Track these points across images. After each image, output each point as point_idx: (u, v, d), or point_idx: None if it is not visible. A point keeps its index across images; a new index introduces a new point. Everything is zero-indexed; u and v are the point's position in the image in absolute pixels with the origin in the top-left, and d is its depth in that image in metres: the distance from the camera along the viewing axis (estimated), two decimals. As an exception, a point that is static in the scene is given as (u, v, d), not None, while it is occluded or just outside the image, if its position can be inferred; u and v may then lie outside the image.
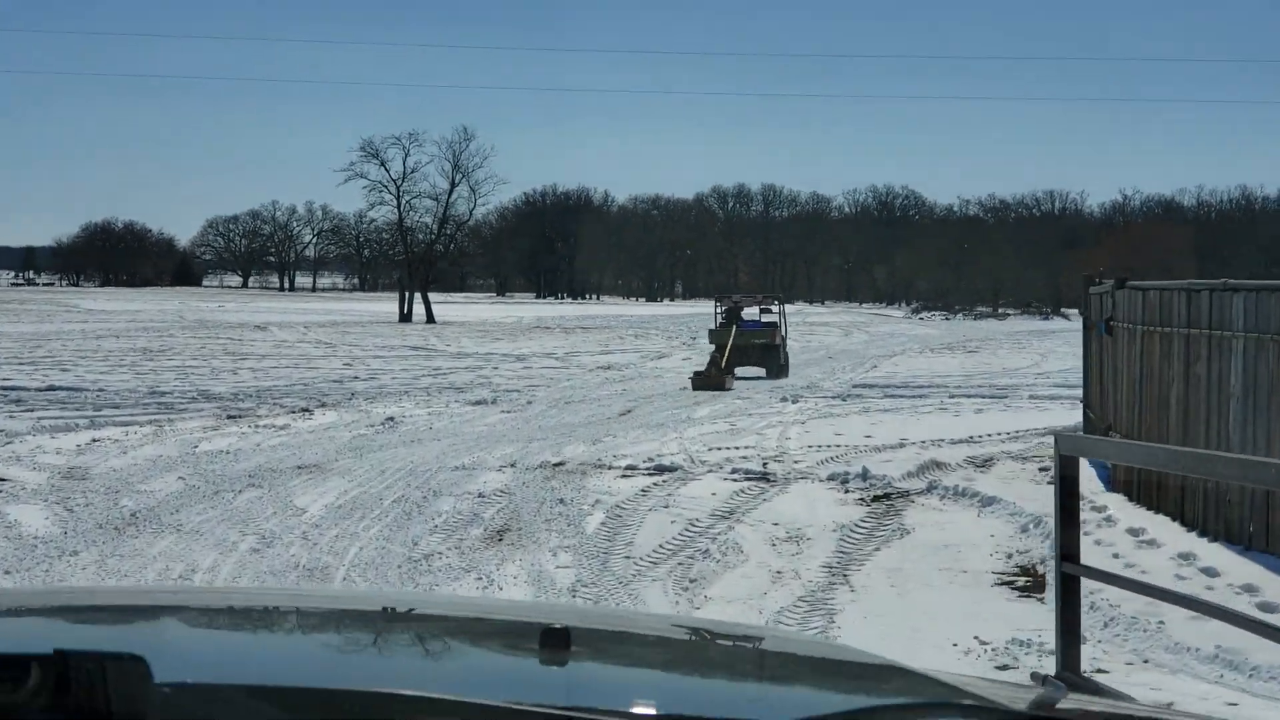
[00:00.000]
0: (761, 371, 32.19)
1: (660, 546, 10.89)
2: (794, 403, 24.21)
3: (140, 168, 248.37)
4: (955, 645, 8.00)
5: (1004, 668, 7.43)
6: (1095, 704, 1.99)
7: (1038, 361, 39.70)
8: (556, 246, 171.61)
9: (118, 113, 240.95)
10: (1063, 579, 3.66)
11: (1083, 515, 11.59)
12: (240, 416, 20.86)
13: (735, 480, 14.34)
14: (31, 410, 21.11)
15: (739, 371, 31.28)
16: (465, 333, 57.93)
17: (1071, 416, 20.48)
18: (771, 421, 20.62)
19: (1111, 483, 12.78)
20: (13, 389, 24.77)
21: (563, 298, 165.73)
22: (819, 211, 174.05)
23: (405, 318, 76.35)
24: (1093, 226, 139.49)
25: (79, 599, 2.42)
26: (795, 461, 15.85)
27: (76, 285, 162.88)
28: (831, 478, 14.43)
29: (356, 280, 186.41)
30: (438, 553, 10.67)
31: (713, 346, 32.44)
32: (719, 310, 34.87)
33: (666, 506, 12.69)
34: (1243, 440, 9.97)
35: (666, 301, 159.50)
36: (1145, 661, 7.64)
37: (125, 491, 13.37)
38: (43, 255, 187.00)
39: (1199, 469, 2.85)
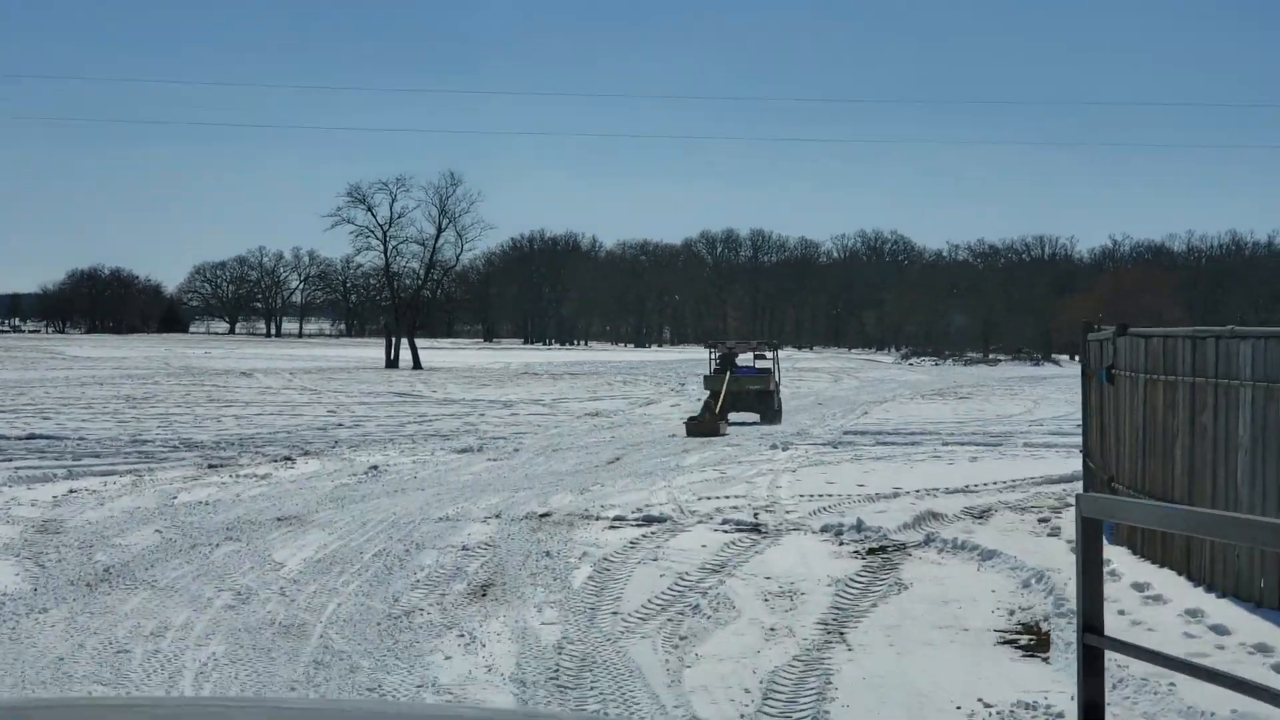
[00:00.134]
0: (755, 417, 32.31)
1: (649, 601, 10.58)
2: (785, 450, 24.10)
3: (128, 214, 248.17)
4: (959, 709, 7.68)
5: (1010, 733, 7.13)
6: None
7: (1031, 408, 39.57)
8: (544, 292, 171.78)
9: (105, 158, 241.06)
10: (1085, 652, 3.34)
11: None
12: (221, 466, 20.62)
13: (726, 531, 14.07)
14: (10, 460, 20.79)
15: (731, 417, 31.40)
16: (452, 379, 57.92)
17: (1068, 465, 20.34)
18: (762, 469, 20.45)
19: (1114, 533, 12.51)
20: (-10, 437, 24.50)
21: (550, 343, 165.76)
22: (807, 256, 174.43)
23: (392, 364, 76.12)
24: (1083, 272, 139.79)
25: None
26: (787, 512, 15.55)
27: (62, 332, 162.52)
28: (825, 529, 14.14)
29: (343, 326, 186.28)
30: (419, 609, 10.35)
31: (707, 392, 32.57)
32: (714, 356, 35.06)
33: (655, 559, 12.39)
34: (1251, 495, 9.68)
35: (655, 347, 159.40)
36: (1157, 726, 7.35)
37: (100, 545, 13.05)
38: (28, 302, 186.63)
39: (1245, 536, 2.58)
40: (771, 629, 9.74)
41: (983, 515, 15.25)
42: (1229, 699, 7.19)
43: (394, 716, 2.46)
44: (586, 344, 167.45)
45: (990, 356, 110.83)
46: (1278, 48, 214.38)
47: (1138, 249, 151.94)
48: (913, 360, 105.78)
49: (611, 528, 14.30)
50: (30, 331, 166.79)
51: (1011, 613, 10.25)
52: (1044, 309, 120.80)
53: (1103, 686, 3.38)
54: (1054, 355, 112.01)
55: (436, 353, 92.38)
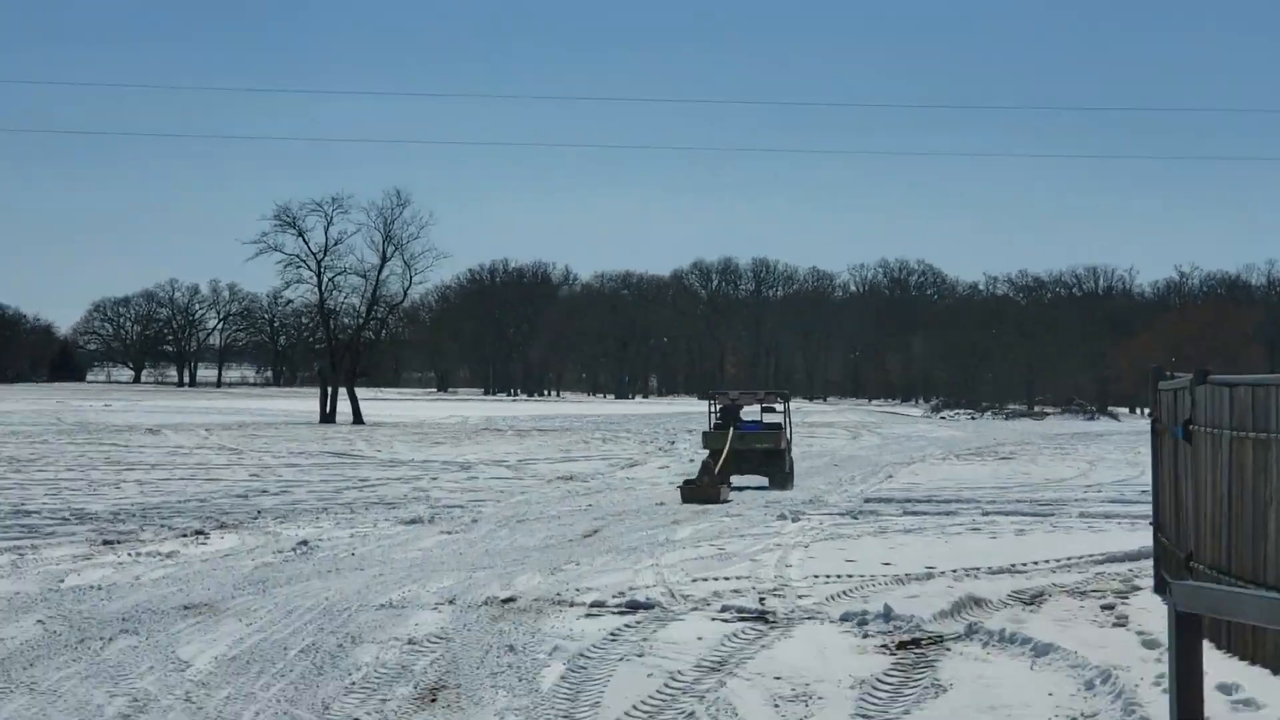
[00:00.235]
0: (759, 480, 32.76)
1: (634, 708, 10.37)
2: (795, 521, 24.16)
3: (11, 243, 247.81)
4: (1013, 842, 7.47)
5: None
6: None
7: (1085, 470, 39.81)
8: (508, 333, 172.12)
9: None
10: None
11: (1158, 662, 11.10)
12: (119, 542, 20.48)
13: (726, 620, 13.91)
14: None
15: (735, 480, 31.75)
16: (399, 436, 58.18)
17: (1134, 539, 20.34)
18: (768, 544, 20.40)
19: (1193, 624, 12.29)
20: None
21: (516, 394, 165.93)
22: (820, 290, 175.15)
23: (327, 418, 76.49)
24: (1144, 309, 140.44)
25: None
26: (799, 596, 15.40)
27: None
28: (845, 617, 13.97)
29: (270, 373, 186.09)
30: (353, 719, 10.10)
31: (706, 451, 32.94)
32: (714, 408, 35.34)
33: (641, 655, 12.18)
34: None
35: (639, 399, 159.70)
36: None
37: (-33, 639, 12.80)
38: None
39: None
40: (783, 742, 9.54)
41: (1034, 601, 15.08)
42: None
43: None
44: (558, 395, 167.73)
45: (1036, 409, 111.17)
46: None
47: (1208, 281, 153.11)
48: (945, 413, 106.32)
49: (588, 616, 14.16)
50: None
51: (1073, 721, 10.05)
52: (1099, 353, 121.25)
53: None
54: (1110, 408, 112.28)
55: (381, 405, 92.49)
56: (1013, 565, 17.96)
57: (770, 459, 32.98)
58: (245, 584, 16.30)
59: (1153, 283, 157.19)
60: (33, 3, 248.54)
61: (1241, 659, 11.27)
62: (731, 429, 33.06)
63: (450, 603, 14.88)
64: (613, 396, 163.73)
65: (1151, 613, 13.53)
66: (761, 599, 15.14)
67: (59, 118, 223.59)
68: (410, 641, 12.75)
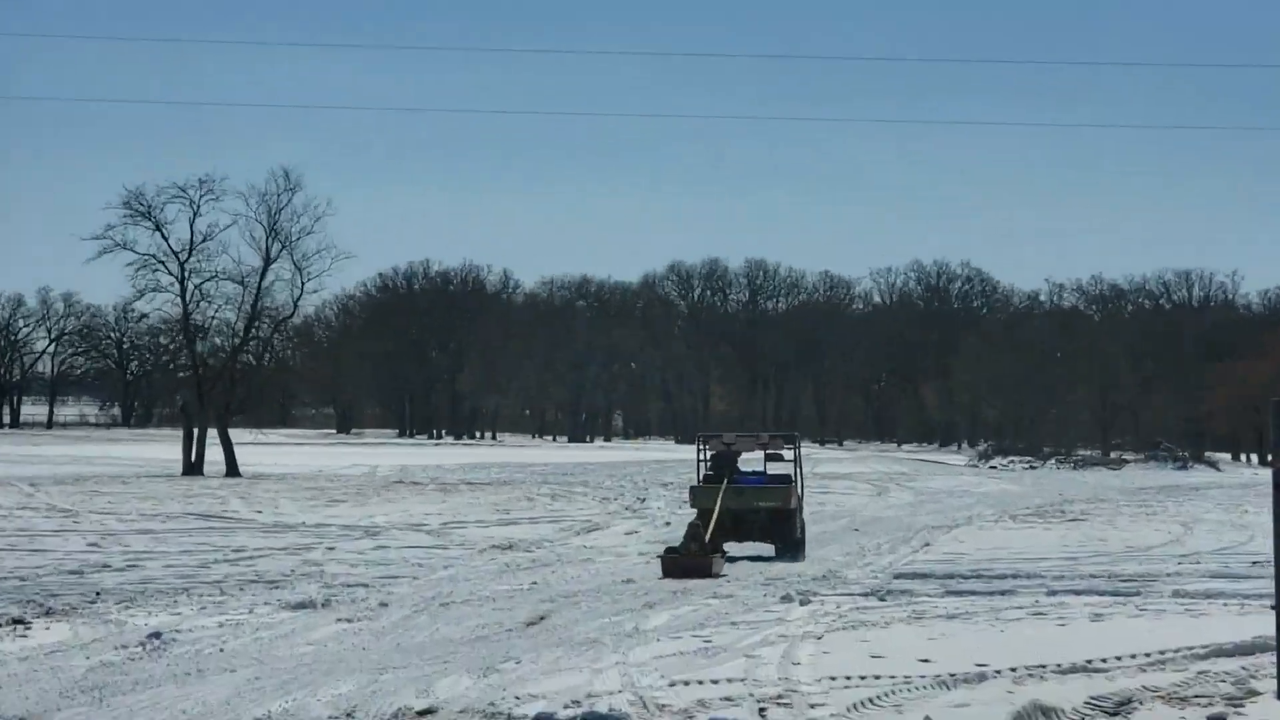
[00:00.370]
0: (769, 548, 33.18)
1: None
2: (804, 603, 23.94)
3: None
4: None
5: None
6: None
7: (1179, 535, 39.72)
8: (430, 357, 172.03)
9: None
10: None
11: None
12: (-96, 637, 20.36)
13: (715, 740, 13.71)
14: None
15: (730, 547, 31.96)
16: (286, 492, 57.81)
17: (1244, 627, 20.20)
18: (769, 635, 20.13)
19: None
20: None
21: (439, 437, 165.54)
22: (833, 303, 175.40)
23: (193, 468, 76.20)
24: (1252, 324, 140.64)
25: None
26: (811, 706, 15.23)
27: None
28: (873, 735, 13.83)
29: (118, 410, 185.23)
30: None
31: (694, 511, 33.08)
32: (704, 456, 35.52)
33: (604, 790, 12.02)
34: None
35: (601, 442, 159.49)
36: None
37: None
38: None
39: None
40: None
41: (1119, 710, 14.98)
42: None
43: None
44: (494, 437, 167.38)
45: (1113, 455, 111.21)
46: None
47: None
48: (996, 461, 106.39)
49: (533, 735, 13.92)
50: None
51: None
52: (1194, 381, 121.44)
53: None
54: (1207, 453, 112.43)
55: (263, 451, 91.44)
56: (1089, 662, 17.79)
57: (777, 522, 33.20)
58: (76, 691, 15.99)
59: (1262, 292, 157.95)
60: None
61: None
62: (726, 482, 33.15)
63: (348, 716, 14.73)
64: (565, 439, 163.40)
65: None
66: (762, 709, 15.03)
67: None
68: (295, 770, 12.60)
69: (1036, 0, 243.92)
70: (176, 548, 34.06)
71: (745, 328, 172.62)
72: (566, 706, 14.96)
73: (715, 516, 31.56)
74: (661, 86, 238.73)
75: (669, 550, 29.88)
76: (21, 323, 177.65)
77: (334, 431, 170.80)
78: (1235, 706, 14.94)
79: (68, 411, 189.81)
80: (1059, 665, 17.51)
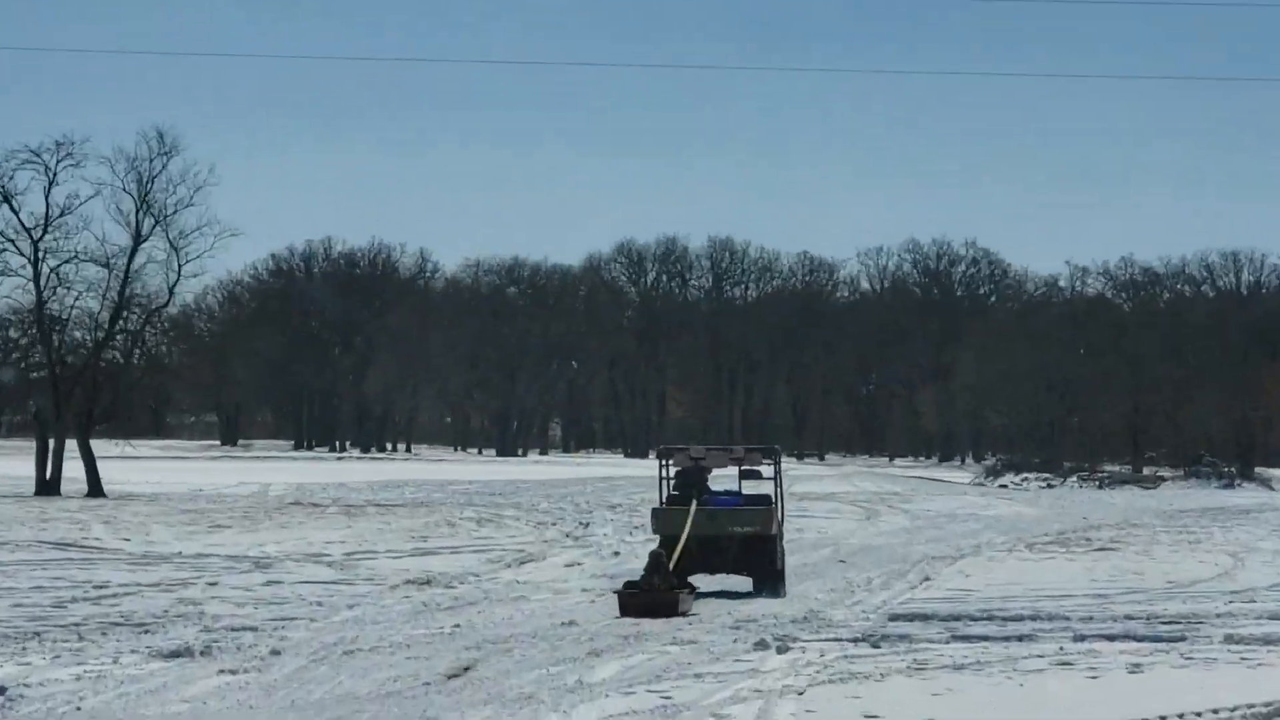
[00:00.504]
0: (746, 582, 32.60)
1: None
2: (781, 651, 23.15)
3: None
4: None
5: None
6: None
7: (1229, 568, 38.28)
8: (332, 354, 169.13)
9: None
10: None
11: None
12: None
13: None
14: None
15: (699, 581, 31.11)
16: (159, 515, 56.61)
17: (1315, 679, 20.24)
18: (740, 690, 19.47)
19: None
20: None
21: (344, 449, 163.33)
22: (813, 289, 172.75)
23: (48, 487, 73.84)
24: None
25: None
26: (793, 779, 15.05)
27: None
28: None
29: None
30: None
31: (656, 538, 32.23)
32: (667, 473, 34.56)
33: None
34: None
35: (534, 455, 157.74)
36: None
37: None
38: None
39: None
40: None
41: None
42: None
43: None
44: (409, 450, 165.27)
45: (1147, 471, 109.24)
46: None
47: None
48: (1007, 479, 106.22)
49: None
50: None
51: None
52: (1240, 382, 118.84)
53: None
54: (1258, 469, 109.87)
55: (133, 467, 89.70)
56: (1126, 723, 17.31)
57: (753, 551, 32.19)
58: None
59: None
60: None
61: None
62: (694, 504, 31.70)
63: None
64: (493, 453, 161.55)
65: None
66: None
67: None
68: None
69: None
70: (27, 583, 32.34)
71: (708, 319, 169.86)
72: (495, 778, 14.78)
73: (682, 543, 30.50)
74: (609, 29, 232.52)
75: (628, 585, 28.90)
76: None
77: (218, 443, 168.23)
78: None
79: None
80: (1092, 728, 17.50)
